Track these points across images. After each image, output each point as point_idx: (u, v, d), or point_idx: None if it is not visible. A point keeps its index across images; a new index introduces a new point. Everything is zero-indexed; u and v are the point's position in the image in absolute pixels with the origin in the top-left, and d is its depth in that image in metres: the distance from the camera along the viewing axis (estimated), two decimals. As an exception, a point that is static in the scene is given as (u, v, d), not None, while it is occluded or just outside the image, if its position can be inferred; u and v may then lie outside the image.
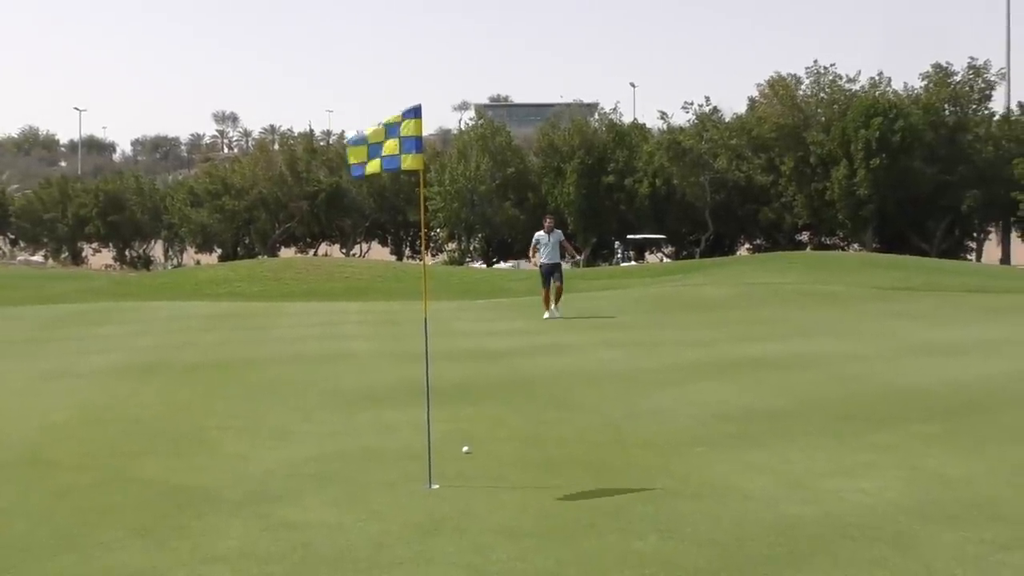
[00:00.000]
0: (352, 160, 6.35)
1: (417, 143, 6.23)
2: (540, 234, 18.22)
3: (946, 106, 56.90)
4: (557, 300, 17.81)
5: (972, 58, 57.39)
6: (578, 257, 20.08)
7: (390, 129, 6.22)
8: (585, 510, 5.54)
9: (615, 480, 6.16)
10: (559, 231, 18.57)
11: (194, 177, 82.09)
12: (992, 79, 56.89)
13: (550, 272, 17.86)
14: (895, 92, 58.02)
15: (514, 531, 5.17)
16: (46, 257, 78.59)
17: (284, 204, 68.36)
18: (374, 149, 6.26)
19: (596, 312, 18.87)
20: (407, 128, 6.18)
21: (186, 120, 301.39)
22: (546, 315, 17.46)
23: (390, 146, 6.21)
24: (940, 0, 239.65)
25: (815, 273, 27.13)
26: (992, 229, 60.80)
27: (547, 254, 17.98)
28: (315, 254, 67.82)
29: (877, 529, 5.18)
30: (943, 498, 5.74)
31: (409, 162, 6.23)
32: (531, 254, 18.56)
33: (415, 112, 6.21)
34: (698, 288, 24.37)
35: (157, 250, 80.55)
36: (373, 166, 6.29)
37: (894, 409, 8.54)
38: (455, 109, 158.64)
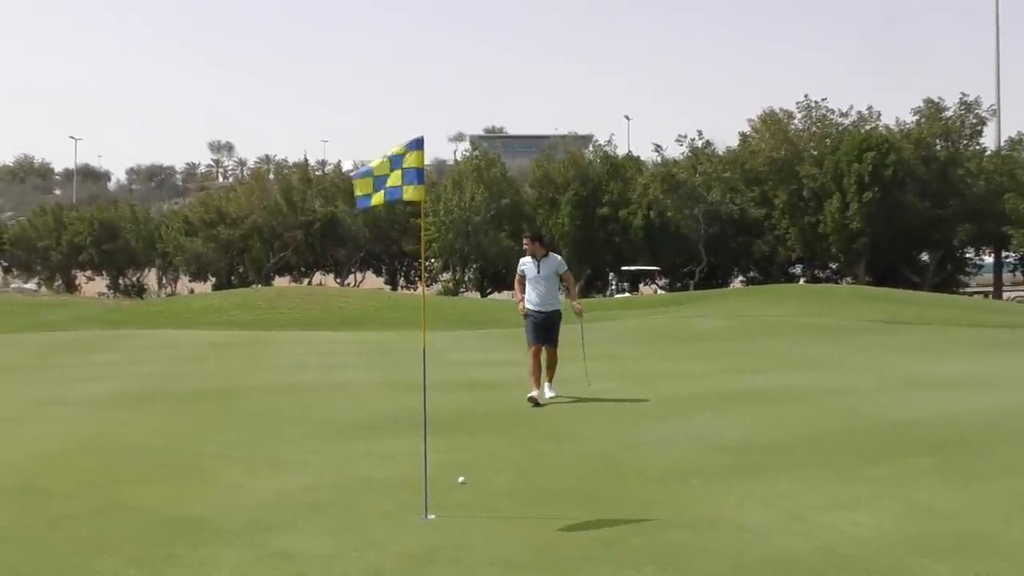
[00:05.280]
0: (359, 192, 6.41)
1: (419, 174, 6.30)
2: (527, 263, 11.26)
3: (937, 141, 57.34)
4: (550, 375, 11.27)
5: (963, 94, 57.90)
6: (578, 305, 11.89)
7: (394, 160, 6.30)
8: (581, 541, 5.54)
9: (610, 511, 6.17)
10: (556, 256, 11.47)
11: (189, 206, 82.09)
12: (983, 115, 57.40)
13: (541, 326, 11.13)
14: (887, 127, 58.51)
15: (510, 562, 5.17)
16: (39, 285, 78.42)
17: (279, 233, 68.39)
18: (379, 181, 6.34)
19: (590, 344, 18.86)
20: (409, 160, 6.26)
21: (181, 149, 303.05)
22: (533, 393, 10.80)
23: (393, 177, 6.29)
24: (931, 35, 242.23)
25: (808, 306, 27.21)
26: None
27: (538, 294, 11.11)
28: (309, 283, 67.79)
29: (872, 562, 5.19)
30: (938, 531, 5.76)
31: (411, 193, 6.30)
32: (517, 292, 11.54)
33: (417, 144, 6.29)
34: (692, 320, 24.43)
35: (151, 278, 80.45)
36: (378, 198, 6.36)
37: (888, 442, 8.57)
38: (450, 140, 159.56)
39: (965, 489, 6.81)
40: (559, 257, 11.51)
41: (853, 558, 5.24)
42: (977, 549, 5.42)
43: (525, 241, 11.42)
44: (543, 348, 11.16)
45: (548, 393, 11.09)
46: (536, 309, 11.14)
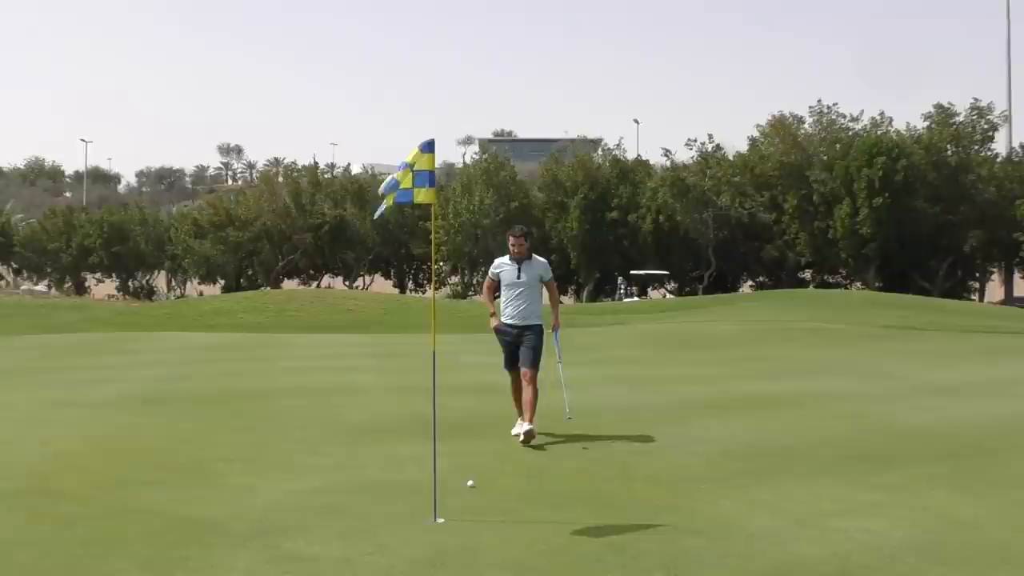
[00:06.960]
0: (387, 205, 6.41)
1: (430, 177, 6.30)
2: (503, 266, 9.19)
3: (948, 146, 57.11)
4: (531, 407, 8.85)
5: (975, 99, 57.61)
6: (557, 323, 9.40)
7: (403, 166, 6.30)
8: (591, 545, 5.53)
9: (621, 516, 6.16)
10: (541, 259, 9.35)
11: (198, 208, 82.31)
12: (995, 120, 57.15)
13: (515, 345, 9.15)
14: (897, 132, 58.32)
15: (520, 566, 5.16)
16: (49, 287, 78.72)
17: (288, 236, 68.53)
18: (390, 187, 6.33)
19: (599, 348, 18.84)
20: (420, 162, 6.25)
21: (191, 152, 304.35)
22: (520, 428, 8.89)
23: (404, 180, 6.28)
24: (943, 41, 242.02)
25: (818, 311, 27.13)
26: (995, 270, 60.83)
27: (516, 305, 9.07)
28: (318, 286, 67.89)
29: (885, 570, 5.16)
30: (951, 540, 5.73)
31: (422, 196, 6.30)
32: (488, 302, 9.46)
33: (429, 146, 6.29)
34: (701, 325, 24.37)
35: (160, 281, 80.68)
36: (387, 201, 6.36)
37: (899, 449, 8.53)
38: (459, 143, 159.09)
39: (978, 497, 6.77)
40: (544, 260, 9.39)
41: (865, 565, 5.22)
42: (990, 558, 5.39)
43: (514, 240, 9.10)
44: (521, 371, 9.11)
45: (525, 427, 8.75)
46: (511, 323, 9.07)
